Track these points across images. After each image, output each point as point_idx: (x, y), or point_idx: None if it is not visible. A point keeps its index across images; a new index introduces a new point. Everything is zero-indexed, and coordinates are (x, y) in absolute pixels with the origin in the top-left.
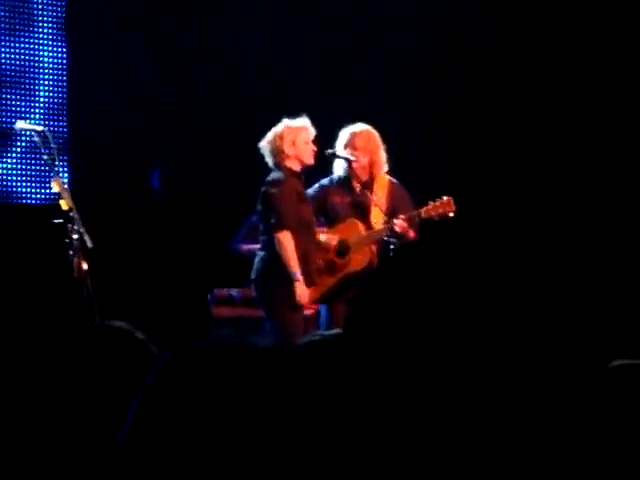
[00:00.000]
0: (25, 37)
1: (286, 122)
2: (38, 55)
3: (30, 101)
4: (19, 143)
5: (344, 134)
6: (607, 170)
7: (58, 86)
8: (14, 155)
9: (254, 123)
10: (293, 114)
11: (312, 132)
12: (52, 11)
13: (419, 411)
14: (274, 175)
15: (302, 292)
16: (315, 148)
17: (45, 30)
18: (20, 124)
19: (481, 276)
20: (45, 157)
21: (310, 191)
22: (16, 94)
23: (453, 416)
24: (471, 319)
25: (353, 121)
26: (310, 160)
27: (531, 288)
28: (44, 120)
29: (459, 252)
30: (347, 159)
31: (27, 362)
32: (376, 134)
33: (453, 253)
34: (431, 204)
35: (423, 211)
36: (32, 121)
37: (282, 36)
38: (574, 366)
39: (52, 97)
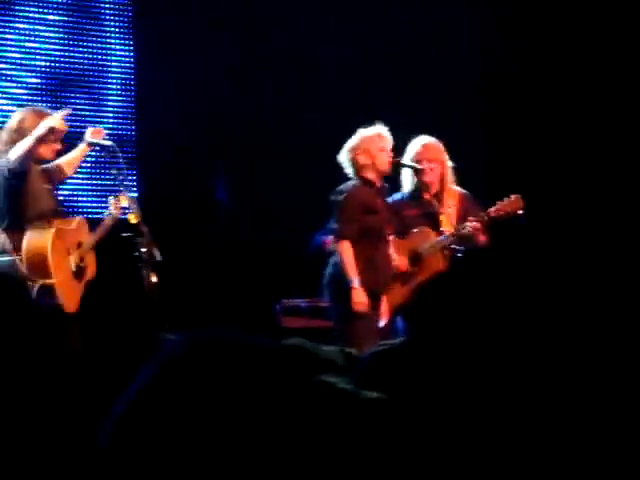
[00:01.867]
0: (94, 41)
1: (361, 131)
2: (107, 61)
3: (99, 109)
4: (87, 157)
5: (414, 145)
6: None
7: (126, 95)
8: (82, 169)
9: (329, 133)
10: (368, 123)
11: (388, 139)
12: (119, 14)
13: (483, 418)
14: (344, 184)
15: (358, 299)
16: (391, 155)
17: (114, 35)
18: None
19: (547, 284)
20: (114, 171)
21: None
22: (84, 100)
23: (522, 422)
24: (534, 326)
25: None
26: (385, 167)
27: (589, 297)
28: (112, 130)
29: (527, 259)
30: (414, 167)
31: (101, 376)
32: (442, 145)
33: (520, 260)
34: (499, 203)
35: (492, 210)
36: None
37: (351, 45)
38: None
39: (120, 108)
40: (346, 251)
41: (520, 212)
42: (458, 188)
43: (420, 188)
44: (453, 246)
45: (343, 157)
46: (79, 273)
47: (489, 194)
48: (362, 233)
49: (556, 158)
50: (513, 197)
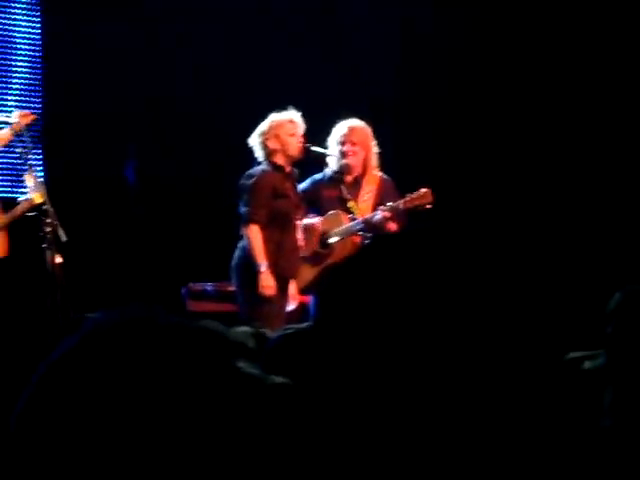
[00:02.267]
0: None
1: (272, 116)
2: (13, 35)
3: (5, 83)
4: None
5: (341, 128)
6: (604, 166)
7: (33, 71)
8: None
9: (237, 113)
10: (282, 107)
11: (300, 125)
12: None
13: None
14: (253, 168)
15: (266, 283)
16: (302, 141)
17: (20, 7)
18: None
19: (454, 268)
20: (18, 150)
21: (302, 185)
22: None
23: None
24: (441, 310)
25: (339, 116)
26: (295, 152)
27: (503, 282)
28: (18, 105)
29: (433, 244)
30: (323, 154)
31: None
32: (370, 130)
33: (427, 245)
34: (409, 196)
35: (401, 202)
36: (5, 110)
37: (272, 30)
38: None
39: (26, 84)
40: (255, 235)
41: (429, 206)
42: (380, 173)
43: (342, 171)
44: (363, 232)
45: (253, 141)
46: None
47: (403, 181)
48: (271, 218)
49: (466, 148)
50: (423, 190)
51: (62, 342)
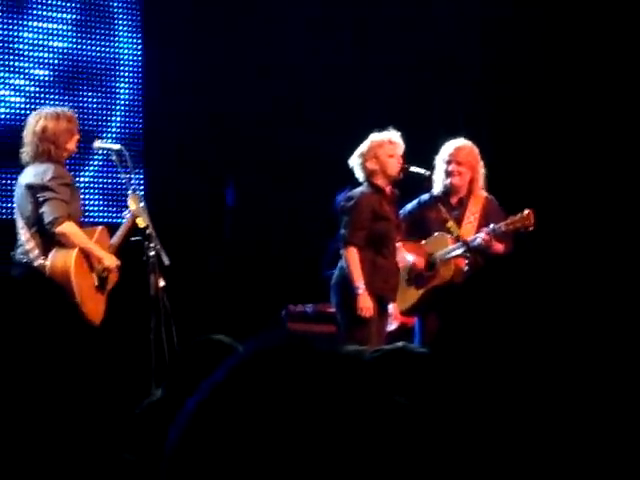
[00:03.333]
0: (104, 39)
1: (372, 136)
2: (116, 58)
3: (109, 105)
4: (95, 162)
5: (447, 148)
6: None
7: (135, 94)
8: (90, 174)
9: (339, 137)
10: (380, 128)
11: (399, 145)
12: (129, 11)
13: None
14: (354, 191)
15: (364, 304)
16: (401, 161)
17: (123, 31)
18: (98, 143)
19: (571, 292)
20: (122, 175)
21: (409, 206)
22: (94, 95)
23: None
24: (559, 336)
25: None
26: (394, 173)
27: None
28: (121, 134)
29: (548, 268)
30: (421, 174)
31: (105, 379)
32: (477, 151)
33: (542, 269)
34: (511, 218)
35: (503, 224)
36: (109, 139)
37: (364, 53)
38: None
39: (129, 105)
40: (352, 257)
41: (530, 228)
42: (486, 194)
43: (448, 191)
44: (466, 255)
45: (353, 162)
46: (102, 284)
47: (506, 200)
48: (370, 239)
49: (566, 164)
50: (526, 212)
51: (213, 372)
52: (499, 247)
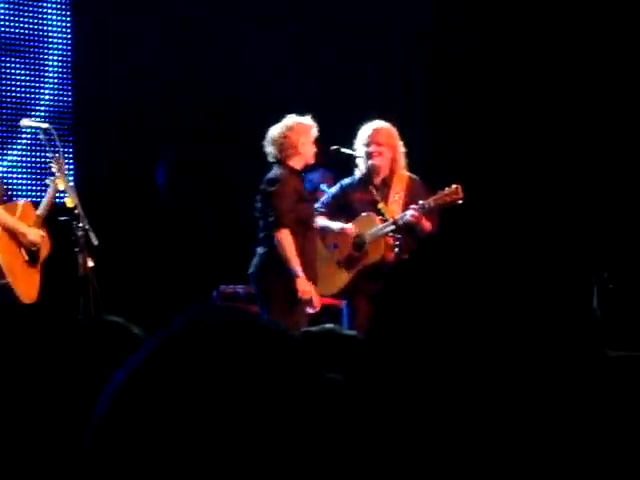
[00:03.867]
0: (32, 14)
1: (295, 118)
2: (46, 32)
3: (39, 79)
4: (23, 141)
5: (366, 130)
6: (609, 168)
7: (64, 70)
8: (17, 152)
9: (263, 114)
10: (294, 110)
11: (314, 129)
12: None
13: (434, 417)
14: (274, 173)
15: (304, 288)
16: (316, 149)
17: (52, 6)
18: (25, 121)
19: (511, 271)
20: (50, 154)
21: (332, 190)
22: (24, 68)
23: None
24: (502, 319)
25: (353, 120)
26: (312, 160)
27: (552, 284)
28: (51, 102)
29: (483, 247)
30: (351, 155)
31: (29, 359)
32: (395, 130)
33: (478, 248)
34: (440, 192)
35: (432, 200)
36: (39, 114)
37: (284, 32)
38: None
39: (59, 80)
40: (287, 240)
41: (460, 202)
42: (408, 173)
43: (370, 173)
44: (394, 233)
45: (274, 138)
46: (33, 258)
47: (433, 178)
48: (296, 222)
49: (495, 144)
50: (454, 187)
51: (145, 340)
52: (427, 225)
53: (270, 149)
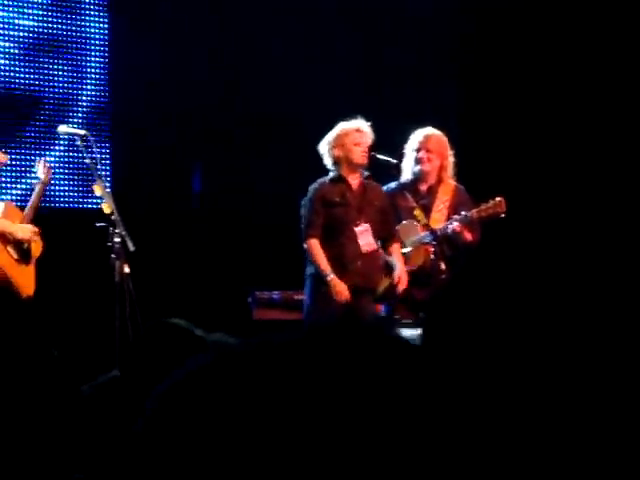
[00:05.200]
0: (71, 12)
1: (340, 124)
2: (85, 36)
3: (76, 92)
4: (61, 147)
5: (417, 136)
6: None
7: (102, 79)
8: (55, 158)
9: (305, 123)
10: (350, 116)
11: (366, 134)
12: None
13: (486, 424)
14: (314, 183)
15: (338, 288)
16: (366, 150)
17: (91, 10)
18: (63, 128)
19: (559, 283)
20: (87, 161)
21: None
22: (63, 68)
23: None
24: (551, 329)
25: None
26: (359, 161)
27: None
28: (87, 117)
29: (534, 260)
30: (388, 162)
31: (69, 364)
32: (446, 139)
33: (529, 261)
34: (483, 205)
35: (475, 212)
36: (75, 124)
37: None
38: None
39: (96, 94)
40: (314, 248)
41: (502, 215)
42: (455, 183)
43: (417, 178)
44: (435, 242)
45: (322, 148)
46: (25, 256)
47: (475, 188)
48: (325, 228)
49: (536, 154)
50: (497, 199)
51: (173, 370)
52: (468, 236)
53: (323, 156)
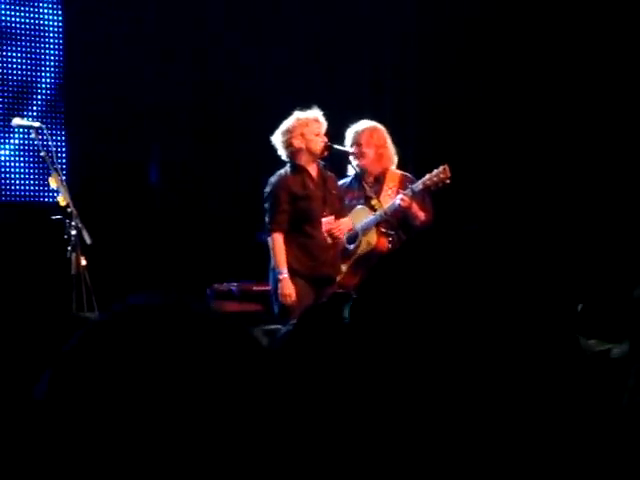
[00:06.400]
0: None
1: (297, 114)
2: (41, 27)
3: (33, 83)
4: (15, 140)
5: (349, 133)
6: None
7: (56, 74)
8: (10, 151)
9: (258, 114)
10: (303, 106)
11: (323, 124)
12: None
13: (417, 406)
14: (274, 175)
15: (284, 291)
16: (326, 140)
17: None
18: (17, 120)
19: (495, 268)
20: (42, 154)
21: None
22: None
23: (453, 414)
24: (482, 314)
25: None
26: (318, 151)
27: (543, 283)
28: (43, 110)
29: (470, 243)
30: (345, 152)
31: (25, 358)
32: (381, 129)
33: (464, 243)
34: (428, 175)
35: (420, 182)
36: (31, 116)
37: (282, 30)
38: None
39: (51, 87)
40: (275, 243)
41: (447, 182)
42: (400, 171)
43: (361, 172)
44: (386, 221)
45: (276, 139)
46: None
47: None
48: (293, 221)
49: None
50: (441, 168)
51: (95, 318)
52: (420, 215)
53: (277, 148)
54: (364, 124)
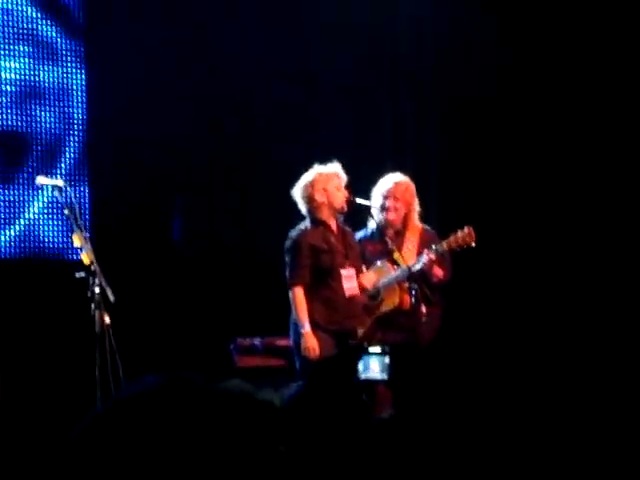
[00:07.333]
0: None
1: (317, 168)
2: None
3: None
4: (45, 198)
5: (386, 182)
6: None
7: (82, 134)
8: (38, 209)
9: (277, 167)
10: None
11: (344, 178)
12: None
13: None
14: (295, 229)
15: (307, 344)
16: (347, 194)
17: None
18: (40, 179)
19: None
20: (66, 211)
21: None
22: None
23: None
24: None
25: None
26: (340, 206)
27: None
28: (68, 170)
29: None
30: (367, 206)
31: (51, 417)
32: (414, 187)
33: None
34: (452, 236)
35: (445, 243)
36: (56, 175)
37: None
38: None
39: (76, 147)
40: (296, 297)
41: (472, 244)
42: (420, 224)
43: (383, 225)
44: (409, 279)
45: (298, 193)
46: None
47: (444, 226)
48: (315, 275)
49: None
50: (465, 229)
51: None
52: (439, 272)
53: (298, 203)
54: (401, 177)
